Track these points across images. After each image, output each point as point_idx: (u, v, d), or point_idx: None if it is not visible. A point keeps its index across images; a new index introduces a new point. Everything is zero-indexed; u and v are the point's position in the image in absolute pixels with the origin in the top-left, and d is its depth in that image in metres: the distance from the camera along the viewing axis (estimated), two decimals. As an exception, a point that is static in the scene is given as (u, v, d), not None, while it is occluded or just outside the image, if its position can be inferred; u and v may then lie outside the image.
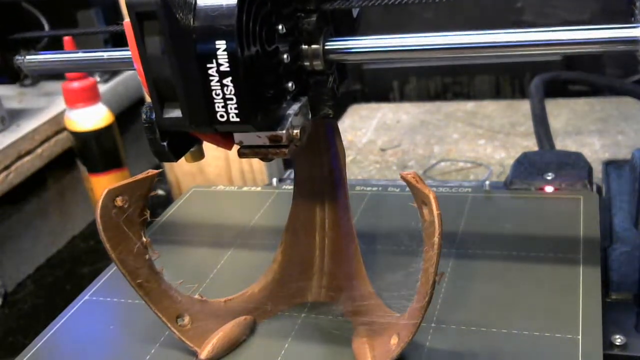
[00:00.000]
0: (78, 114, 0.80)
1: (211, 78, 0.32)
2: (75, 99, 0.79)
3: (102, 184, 0.80)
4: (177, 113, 0.33)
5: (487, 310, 0.42)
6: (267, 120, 0.34)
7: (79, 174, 0.85)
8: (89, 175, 0.82)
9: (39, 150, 0.81)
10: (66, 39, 0.77)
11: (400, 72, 1.03)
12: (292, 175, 0.45)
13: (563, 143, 0.80)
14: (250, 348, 0.42)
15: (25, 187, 0.80)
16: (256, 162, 0.75)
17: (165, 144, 0.35)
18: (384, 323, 0.40)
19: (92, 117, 0.80)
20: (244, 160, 0.75)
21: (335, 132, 0.41)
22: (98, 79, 0.92)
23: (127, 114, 0.93)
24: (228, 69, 0.31)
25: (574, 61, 1.00)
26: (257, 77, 0.32)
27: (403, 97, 1.04)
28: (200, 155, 0.38)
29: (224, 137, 0.36)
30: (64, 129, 0.83)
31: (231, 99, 0.32)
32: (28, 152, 0.79)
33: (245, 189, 0.62)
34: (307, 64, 0.37)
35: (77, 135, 0.80)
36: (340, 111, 0.97)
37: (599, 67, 1.00)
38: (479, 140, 0.85)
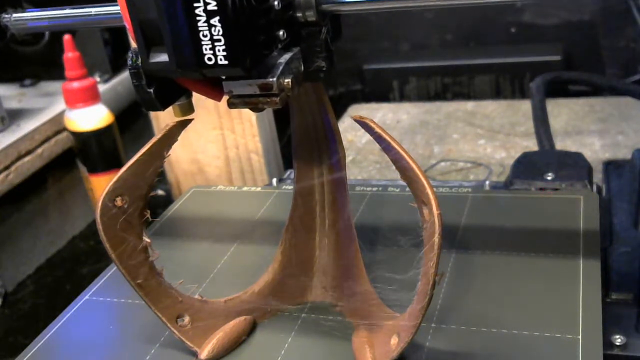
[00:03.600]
0: (78, 114, 0.80)
1: (198, 18, 0.31)
2: (75, 99, 0.79)
3: (102, 184, 0.80)
4: (163, 57, 0.32)
5: (487, 310, 0.42)
6: (257, 66, 0.33)
7: (79, 174, 0.85)
8: (89, 175, 0.82)
9: (39, 150, 0.81)
10: (66, 38, 0.77)
11: (400, 72, 1.04)
12: (292, 175, 0.45)
13: (563, 143, 0.80)
14: (250, 348, 0.42)
15: (25, 187, 0.80)
16: (256, 162, 0.75)
17: (151, 90, 0.34)
18: (384, 323, 0.40)
19: (92, 117, 0.80)
20: (244, 160, 0.75)
21: (336, 132, 0.41)
22: (98, 79, 0.92)
23: (127, 114, 0.93)
24: (215, 7, 0.30)
25: (574, 61, 1.00)
26: (246, 19, 0.31)
27: (403, 97, 1.04)
28: (189, 109, 0.37)
29: (213, 87, 0.35)
30: (64, 129, 0.83)
31: (219, 40, 0.31)
32: (28, 152, 0.79)
33: (245, 189, 0.62)
34: (299, 14, 0.36)
35: (77, 135, 0.80)
36: (340, 111, 0.97)
37: (599, 67, 1.00)
38: (479, 140, 0.85)
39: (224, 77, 0.34)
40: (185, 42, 0.31)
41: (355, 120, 0.37)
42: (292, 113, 0.41)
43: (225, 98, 0.35)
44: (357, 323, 0.42)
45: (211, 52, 0.31)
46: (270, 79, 0.33)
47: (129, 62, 0.34)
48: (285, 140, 0.80)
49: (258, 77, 0.33)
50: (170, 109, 0.36)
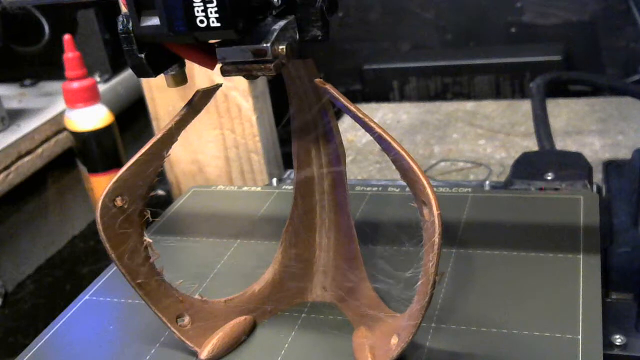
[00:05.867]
0: (78, 114, 0.80)
1: None
2: (75, 99, 0.79)
3: (102, 184, 0.80)
4: (155, 21, 0.32)
5: (487, 310, 0.42)
6: (251, 32, 0.32)
7: (79, 174, 0.85)
8: (89, 175, 0.82)
9: (39, 150, 0.81)
10: (66, 38, 0.77)
11: (400, 72, 1.04)
12: (292, 175, 0.45)
13: (563, 143, 0.80)
14: (250, 348, 0.42)
15: (25, 187, 0.80)
16: (256, 162, 0.75)
17: (142, 56, 0.34)
18: (384, 323, 0.40)
19: (92, 117, 0.80)
20: (244, 160, 0.75)
21: (336, 131, 0.41)
22: (98, 79, 0.92)
23: (127, 114, 0.93)
24: None
25: (574, 61, 1.00)
26: None
27: (403, 97, 1.04)
28: (182, 79, 0.37)
29: (206, 54, 0.34)
30: (64, 129, 0.83)
31: (211, 2, 0.31)
32: (28, 152, 0.79)
33: (245, 189, 0.62)
34: None
35: (77, 135, 0.80)
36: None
37: (599, 67, 1.00)
38: (479, 140, 0.85)
39: (217, 46, 0.34)
40: (176, 4, 0.31)
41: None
42: (291, 112, 0.41)
43: (218, 66, 0.35)
44: (357, 323, 0.42)
45: (203, 14, 0.31)
46: (265, 45, 0.33)
47: (120, 27, 0.33)
48: (283, 123, 0.79)
49: (251, 43, 0.33)
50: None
